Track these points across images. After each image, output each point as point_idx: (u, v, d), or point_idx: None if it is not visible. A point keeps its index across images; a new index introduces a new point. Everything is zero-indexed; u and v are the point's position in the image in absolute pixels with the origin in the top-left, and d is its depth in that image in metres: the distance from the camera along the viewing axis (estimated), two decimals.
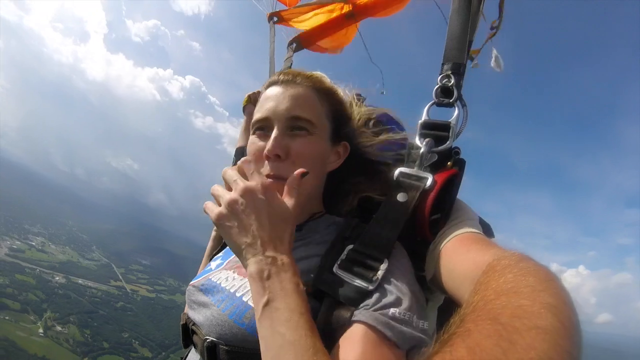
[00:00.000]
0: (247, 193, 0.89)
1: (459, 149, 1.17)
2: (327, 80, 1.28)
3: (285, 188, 0.96)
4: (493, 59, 1.56)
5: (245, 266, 0.86)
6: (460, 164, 1.15)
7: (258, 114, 1.15)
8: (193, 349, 1.10)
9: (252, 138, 1.16)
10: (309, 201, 1.17)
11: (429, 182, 1.04)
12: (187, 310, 1.13)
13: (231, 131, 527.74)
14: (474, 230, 0.99)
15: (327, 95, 1.20)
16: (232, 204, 0.88)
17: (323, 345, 0.70)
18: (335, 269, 0.92)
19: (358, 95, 1.45)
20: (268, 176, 1.06)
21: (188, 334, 1.09)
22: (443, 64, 1.27)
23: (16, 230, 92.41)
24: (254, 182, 0.91)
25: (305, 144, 1.09)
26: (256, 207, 0.88)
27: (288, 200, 0.94)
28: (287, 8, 2.57)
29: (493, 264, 0.72)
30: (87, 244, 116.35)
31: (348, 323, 0.82)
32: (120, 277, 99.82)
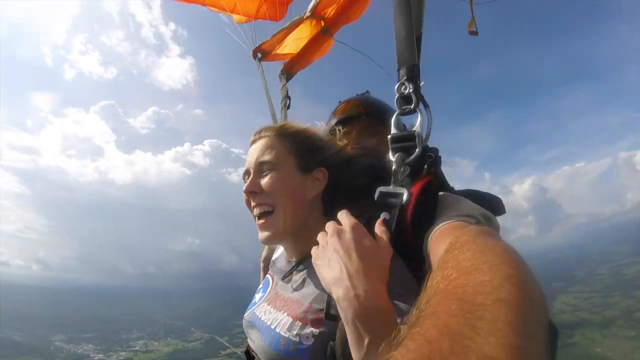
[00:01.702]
0: (335, 232, 1.05)
1: (432, 152, 1.23)
2: (295, 124, 1.55)
3: (375, 233, 1.08)
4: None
5: (336, 299, 0.95)
6: (435, 165, 1.22)
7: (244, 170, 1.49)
8: None
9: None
10: (309, 230, 1.40)
11: (404, 197, 1.12)
12: (248, 339, 1.47)
13: None
14: (453, 220, 1.05)
15: (288, 135, 1.48)
16: (324, 244, 1.07)
17: None
18: None
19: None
20: (254, 206, 1.41)
21: (250, 357, 1.41)
22: (398, 70, 1.30)
23: (117, 344, 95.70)
24: (345, 224, 1.07)
25: (270, 179, 1.38)
26: (344, 245, 1.00)
27: (379, 242, 1.04)
28: (265, 40, 2.67)
29: (452, 242, 0.75)
30: (185, 329, 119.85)
31: None
32: (227, 344, 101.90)
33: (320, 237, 1.11)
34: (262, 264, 1.96)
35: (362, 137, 1.81)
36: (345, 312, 0.90)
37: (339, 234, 1.03)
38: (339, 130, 1.73)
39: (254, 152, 1.45)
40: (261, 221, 1.39)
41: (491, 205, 1.33)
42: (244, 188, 1.40)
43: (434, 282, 0.62)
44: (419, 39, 1.31)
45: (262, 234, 1.40)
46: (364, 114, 1.93)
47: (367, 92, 2.19)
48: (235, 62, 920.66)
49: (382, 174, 1.25)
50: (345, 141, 1.62)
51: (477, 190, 1.46)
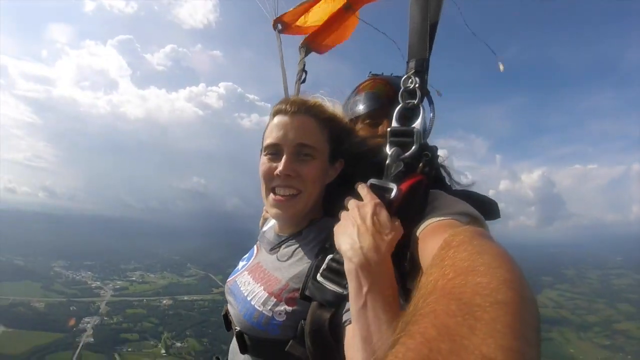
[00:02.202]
0: (356, 206, 1.13)
1: (429, 151, 1.23)
2: (328, 106, 1.55)
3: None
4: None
5: (343, 252, 1.06)
6: (431, 164, 1.23)
7: (269, 140, 1.44)
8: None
9: (263, 159, 1.46)
10: (310, 210, 1.49)
11: (393, 193, 1.14)
12: (227, 303, 1.58)
13: None
14: (446, 218, 1.07)
15: (327, 122, 1.48)
16: (345, 216, 1.14)
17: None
18: (318, 276, 1.16)
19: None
20: (279, 186, 1.42)
21: (228, 321, 1.54)
22: (408, 62, 1.29)
23: (115, 273, 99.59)
24: (367, 199, 1.14)
25: (311, 167, 1.40)
26: (362, 214, 1.08)
27: (395, 220, 1.10)
28: (287, 11, 2.64)
29: (448, 240, 0.76)
30: (181, 264, 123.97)
31: (328, 320, 1.10)
32: (220, 283, 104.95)
33: (343, 213, 1.18)
34: (261, 221, 2.01)
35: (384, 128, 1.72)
36: (349, 263, 1.00)
37: (359, 207, 1.11)
38: (364, 120, 1.74)
39: (292, 130, 1.40)
40: (281, 198, 1.41)
41: (486, 208, 1.32)
42: (281, 169, 1.37)
43: (431, 279, 0.62)
44: (433, 29, 1.25)
45: (278, 211, 1.44)
46: (392, 98, 1.74)
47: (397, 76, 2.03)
48: (260, 10, 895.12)
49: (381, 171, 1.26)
50: (365, 132, 1.67)
51: (474, 192, 1.46)
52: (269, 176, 1.43)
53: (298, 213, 1.45)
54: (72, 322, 61.74)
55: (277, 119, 1.45)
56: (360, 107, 1.81)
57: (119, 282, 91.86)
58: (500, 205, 1.41)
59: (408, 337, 0.50)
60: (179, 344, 63.95)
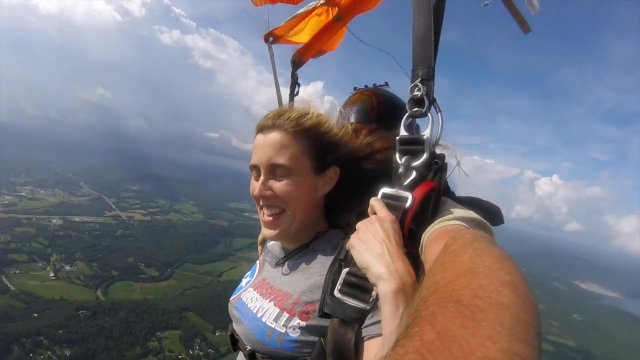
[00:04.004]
0: (377, 220, 1.12)
1: (439, 159, 1.21)
2: (312, 115, 1.42)
3: None
4: (527, 3, 1.53)
5: (374, 278, 1.03)
6: (441, 172, 1.22)
7: (251, 161, 1.42)
8: (240, 352, 1.44)
9: (252, 179, 1.45)
10: (312, 224, 1.47)
11: (408, 202, 1.13)
12: (233, 322, 1.54)
13: (201, 43, 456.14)
14: (450, 223, 1.08)
15: (305, 132, 1.38)
16: (363, 228, 1.14)
17: None
18: (336, 292, 1.12)
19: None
20: (264, 206, 1.41)
21: (234, 341, 1.49)
22: (413, 70, 1.26)
23: (3, 186, 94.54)
24: (383, 214, 1.14)
25: (284, 186, 1.35)
26: (386, 231, 1.08)
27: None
28: (278, 26, 2.56)
29: (449, 243, 0.77)
30: (74, 182, 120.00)
31: (354, 339, 1.07)
32: (114, 206, 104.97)
33: (361, 228, 1.15)
34: (259, 247, 1.96)
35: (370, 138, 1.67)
36: (386, 285, 0.98)
37: (381, 222, 1.10)
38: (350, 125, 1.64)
39: (266, 149, 1.36)
40: (269, 218, 1.40)
41: (490, 213, 1.34)
42: (256, 192, 1.37)
43: (432, 282, 0.63)
44: (436, 37, 1.24)
45: (269, 232, 1.42)
46: (376, 110, 1.74)
47: (386, 83, 1.97)
48: None
49: (384, 179, 1.27)
50: (356, 138, 1.60)
51: (478, 198, 1.46)
52: (253, 196, 1.41)
53: (287, 230, 1.40)
54: None
55: (257, 137, 1.42)
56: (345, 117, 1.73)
57: (7, 196, 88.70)
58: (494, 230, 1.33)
59: (407, 339, 0.51)
60: (68, 267, 65.60)
